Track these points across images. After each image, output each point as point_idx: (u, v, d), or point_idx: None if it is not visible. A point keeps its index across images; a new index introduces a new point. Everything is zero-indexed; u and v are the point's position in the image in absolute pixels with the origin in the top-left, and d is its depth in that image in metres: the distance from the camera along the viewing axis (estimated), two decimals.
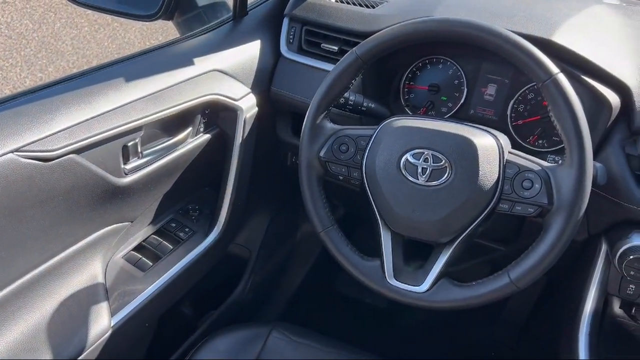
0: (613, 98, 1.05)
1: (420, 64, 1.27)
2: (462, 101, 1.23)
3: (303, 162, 1.04)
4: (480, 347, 1.87)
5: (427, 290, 0.96)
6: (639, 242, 1.00)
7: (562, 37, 1.07)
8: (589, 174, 0.87)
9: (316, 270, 1.94)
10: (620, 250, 1.00)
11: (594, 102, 1.06)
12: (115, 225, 1.15)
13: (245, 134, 1.29)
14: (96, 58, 3.50)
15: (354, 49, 1.00)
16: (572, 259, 1.23)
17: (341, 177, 1.04)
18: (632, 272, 0.99)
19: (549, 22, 1.11)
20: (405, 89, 1.29)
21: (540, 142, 1.17)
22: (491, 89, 1.21)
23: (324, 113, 1.04)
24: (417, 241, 1.00)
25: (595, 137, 1.06)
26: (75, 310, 1.06)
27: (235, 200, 1.33)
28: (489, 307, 1.84)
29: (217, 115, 1.28)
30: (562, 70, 0.88)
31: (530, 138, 1.17)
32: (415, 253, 1.05)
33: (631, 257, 0.98)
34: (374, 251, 1.02)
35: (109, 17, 3.63)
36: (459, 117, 1.23)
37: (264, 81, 1.36)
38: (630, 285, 1.07)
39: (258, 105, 1.32)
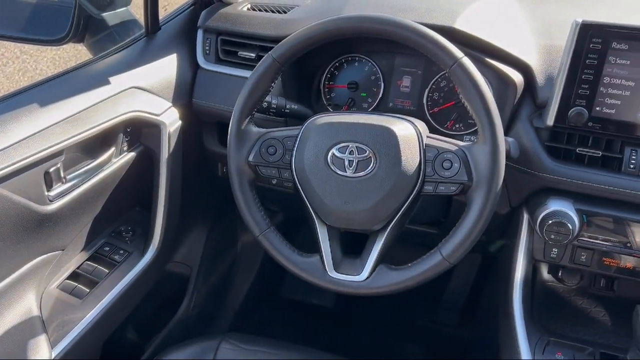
0: (517, 77, 1.13)
1: (337, 64, 1.30)
2: (380, 95, 1.28)
3: (232, 168, 1.05)
4: (425, 333, 1.93)
5: (367, 278, 0.99)
6: (555, 207, 1.07)
7: (464, 24, 1.14)
8: (501, 148, 0.93)
9: (261, 278, 1.94)
10: (540, 217, 1.07)
11: (500, 82, 1.14)
12: (45, 256, 1.11)
13: (171, 149, 1.28)
14: None
15: (270, 52, 1.02)
16: (500, 233, 1.30)
17: (274, 181, 1.06)
18: (552, 236, 1.06)
19: (450, 11, 1.17)
20: (326, 89, 1.32)
21: (456, 126, 1.23)
22: (406, 81, 1.26)
23: (248, 118, 1.05)
24: (352, 232, 1.03)
25: (505, 114, 1.13)
26: (12, 347, 1.01)
27: (168, 217, 1.32)
28: (431, 293, 1.92)
29: (140, 132, 1.26)
30: (467, 55, 0.94)
31: (447, 123, 1.23)
32: (353, 244, 1.08)
33: (550, 222, 1.05)
34: (315, 249, 1.04)
35: (17, 50, 3.49)
36: (380, 110, 1.28)
37: (185, 94, 1.35)
38: (553, 249, 1.14)
39: (181, 118, 1.31)
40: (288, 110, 1.19)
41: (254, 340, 1.20)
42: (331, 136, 0.99)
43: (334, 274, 1.01)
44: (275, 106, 1.17)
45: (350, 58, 1.30)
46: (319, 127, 1.01)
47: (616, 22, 1.00)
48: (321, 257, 1.02)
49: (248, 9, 1.41)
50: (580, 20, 1.00)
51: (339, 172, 0.98)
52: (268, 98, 1.14)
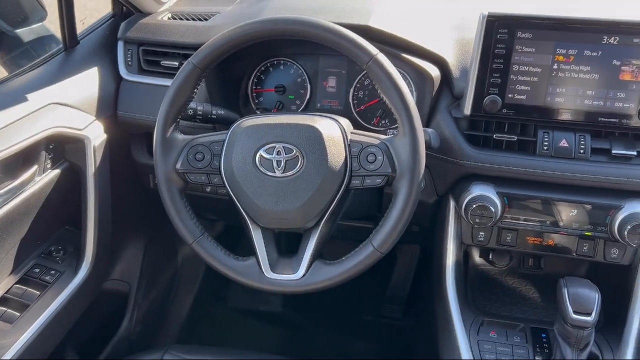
0: (434, 71, 1.17)
1: (263, 68, 1.32)
2: (308, 97, 1.30)
3: (160, 177, 1.04)
4: (372, 328, 1.96)
5: (303, 275, 1.00)
6: (478, 192, 1.12)
7: (379, 22, 1.17)
8: (420, 139, 0.96)
9: (205, 289, 1.92)
10: (464, 202, 1.12)
11: (417, 77, 1.18)
12: None
13: (97, 163, 1.25)
14: None
15: (189, 58, 1.02)
16: (431, 222, 1.34)
17: (208, 188, 1.05)
18: (477, 220, 1.11)
19: (366, 10, 1.21)
20: (254, 94, 1.33)
21: (383, 122, 1.26)
22: (332, 82, 1.29)
23: (173, 126, 1.04)
24: (286, 232, 1.04)
25: (425, 107, 1.17)
26: None
27: (99, 233, 1.29)
28: (375, 289, 1.95)
29: (64, 149, 1.23)
30: (383, 51, 0.97)
31: (374, 120, 1.27)
32: (289, 244, 1.09)
33: (474, 206, 1.10)
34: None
35: None
36: (309, 111, 1.29)
37: (109, 107, 1.33)
38: (480, 233, 1.19)
39: (106, 131, 1.29)
40: (215, 116, 1.19)
41: (199, 350, 1.19)
42: (257, 138, 1.00)
43: (271, 275, 1.01)
44: (201, 113, 1.16)
45: (275, 62, 1.31)
46: (245, 129, 1.02)
47: (519, 13, 1.06)
48: (257, 259, 1.02)
49: (169, 18, 1.41)
50: (486, 12, 1.06)
51: (268, 173, 0.99)
52: (193, 105, 1.14)
